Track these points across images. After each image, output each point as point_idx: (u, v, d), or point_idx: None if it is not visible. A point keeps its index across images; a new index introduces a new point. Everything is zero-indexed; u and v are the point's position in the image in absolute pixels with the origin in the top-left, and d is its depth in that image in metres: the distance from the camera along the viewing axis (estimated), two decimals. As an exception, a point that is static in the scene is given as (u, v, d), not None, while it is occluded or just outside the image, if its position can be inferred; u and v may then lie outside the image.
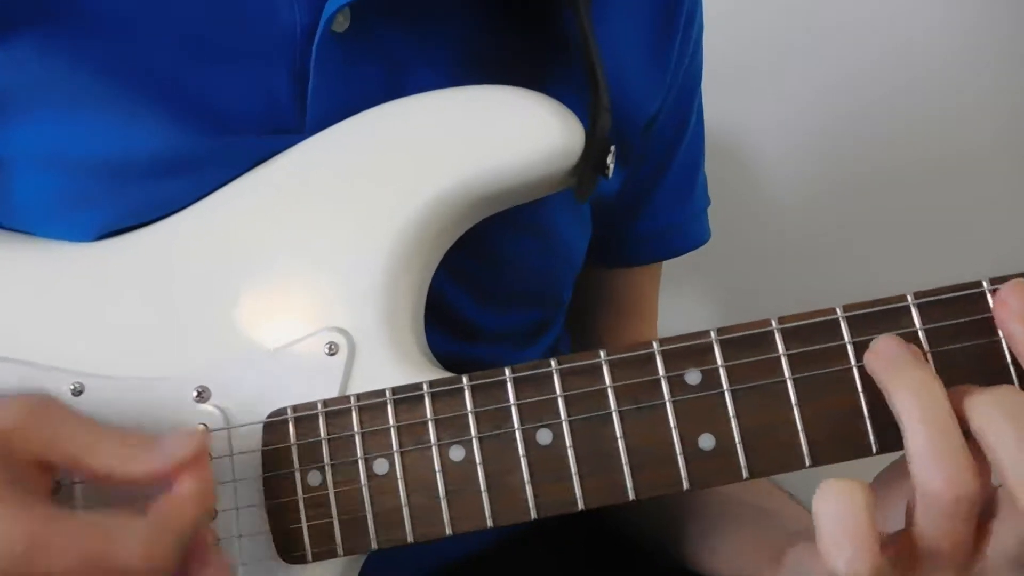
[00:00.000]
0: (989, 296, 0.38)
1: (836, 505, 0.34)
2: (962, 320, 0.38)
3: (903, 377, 0.36)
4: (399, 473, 0.42)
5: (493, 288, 0.54)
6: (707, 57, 0.64)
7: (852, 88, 1.05)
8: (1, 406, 0.37)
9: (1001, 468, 0.34)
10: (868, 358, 0.38)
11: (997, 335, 0.38)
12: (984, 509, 0.36)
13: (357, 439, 0.43)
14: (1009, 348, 0.37)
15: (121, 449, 0.37)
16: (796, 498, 0.54)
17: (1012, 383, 0.38)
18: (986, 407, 0.35)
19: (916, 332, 0.39)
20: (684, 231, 0.66)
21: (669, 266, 0.69)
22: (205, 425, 0.44)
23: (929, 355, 0.39)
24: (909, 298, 0.39)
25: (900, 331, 0.39)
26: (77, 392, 0.45)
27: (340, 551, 0.42)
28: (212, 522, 0.43)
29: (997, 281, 0.38)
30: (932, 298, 0.39)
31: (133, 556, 0.34)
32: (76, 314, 0.46)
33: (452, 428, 0.42)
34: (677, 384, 0.40)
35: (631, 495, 0.40)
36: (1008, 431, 0.34)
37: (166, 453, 0.37)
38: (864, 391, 0.39)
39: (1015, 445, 0.33)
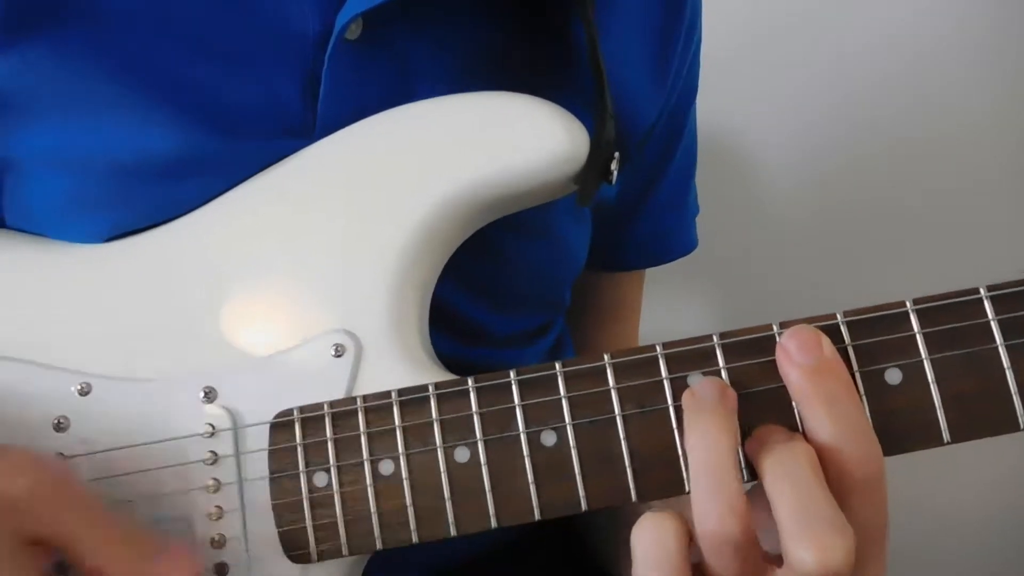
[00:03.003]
0: (987, 303, 0.40)
1: (651, 535, 0.37)
2: (959, 325, 0.40)
3: (698, 422, 0.39)
4: (404, 474, 0.44)
5: (499, 291, 0.56)
6: (705, 59, 0.66)
7: (852, 91, 1.07)
8: (15, 469, 0.38)
9: (779, 523, 0.37)
10: (684, 395, 0.41)
11: (995, 341, 0.40)
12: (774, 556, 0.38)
13: (363, 440, 0.44)
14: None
15: (118, 551, 0.39)
16: None
17: (1008, 383, 0.40)
18: (771, 469, 0.38)
19: (915, 336, 0.40)
20: (675, 238, 0.69)
21: (670, 270, 0.71)
22: (212, 425, 0.45)
23: (927, 360, 0.40)
24: (908, 304, 0.41)
25: (899, 336, 0.40)
26: (84, 392, 0.46)
27: (345, 551, 0.44)
28: (220, 520, 0.45)
29: (994, 288, 0.40)
30: (930, 304, 0.41)
31: None
32: (84, 315, 0.48)
33: (457, 430, 0.44)
34: (680, 387, 0.42)
35: (634, 497, 0.42)
36: (786, 491, 0.37)
37: (158, 571, 0.39)
38: (864, 395, 0.40)
39: (791, 504, 0.36)
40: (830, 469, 0.38)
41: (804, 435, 0.40)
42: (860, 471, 0.38)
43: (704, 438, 0.38)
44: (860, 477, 0.38)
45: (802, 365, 0.39)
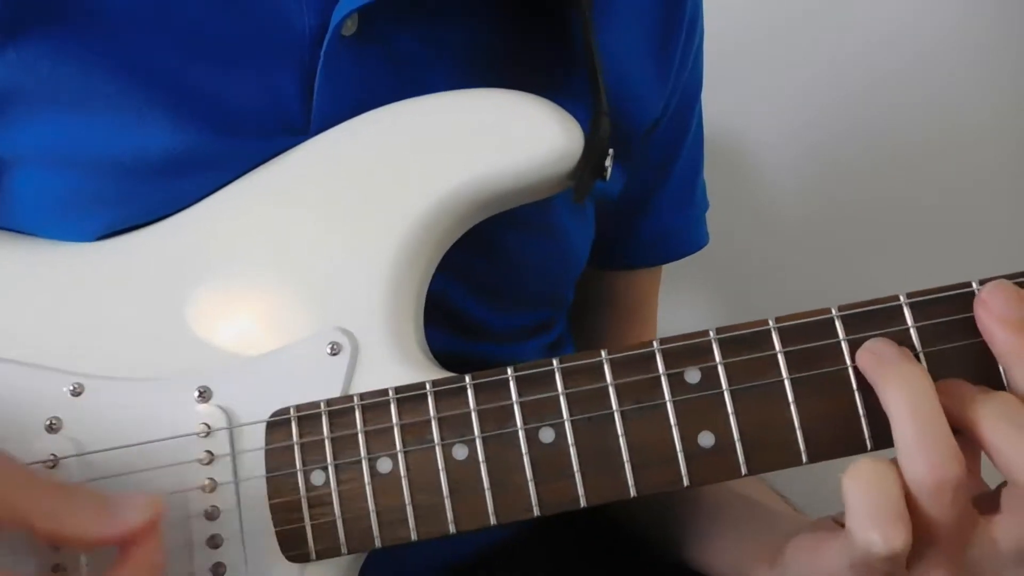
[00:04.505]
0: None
1: (871, 482, 0.38)
2: (953, 318, 0.42)
3: (892, 372, 0.40)
4: (402, 472, 0.45)
5: (499, 287, 0.58)
6: (708, 59, 0.68)
7: (854, 90, 1.10)
8: None
9: (1013, 474, 0.38)
10: (860, 355, 0.42)
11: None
12: (984, 504, 0.40)
13: (360, 438, 0.46)
14: (990, 347, 0.41)
15: (75, 517, 0.40)
16: (786, 498, 0.58)
17: (1001, 381, 0.42)
18: (993, 419, 0.39)
19: (908, 330, 0.43)
20: (684, 235, 0.71)
21: (670, 267, 0.73)
22: (207, 425, 0.47)
23: (921, 354, 0.42)
24: (902, 298, 0.43)
25: (893, 330, 0.43)
26: (76, 393, 0.48)
27: (344, 550, 0.46)
28: (217, 520, 0.46)
29: (986, 282, 0.42)
30: (924, 298, 0.43)
31: None
32: (76, 314, 0.49)
33: (455, 427, 0.45)
34: (677, 383, 0.44)
35: (632, 492, 0.44)
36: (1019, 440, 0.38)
37: (119, 520, 0.40)
38: (859, 389, 0.43)
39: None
40: None
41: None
42: None
43: (905, 385, 0.39)
44: None
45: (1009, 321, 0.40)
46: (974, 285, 0.42)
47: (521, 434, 0.45)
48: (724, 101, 0.92)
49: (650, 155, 0.65)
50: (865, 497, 0.38)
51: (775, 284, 1.11)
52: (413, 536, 0.45)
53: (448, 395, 0.46)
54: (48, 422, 0.48)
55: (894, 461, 0.39)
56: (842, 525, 0.41)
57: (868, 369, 0.42)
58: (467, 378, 0.46)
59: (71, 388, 0.48)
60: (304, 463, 0.46)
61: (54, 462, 0.47)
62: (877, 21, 1.09)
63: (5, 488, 0.39)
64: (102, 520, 0.39)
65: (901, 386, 0.40)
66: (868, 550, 0.38)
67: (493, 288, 0.58)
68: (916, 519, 0.39)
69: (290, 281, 0.49)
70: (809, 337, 0.43)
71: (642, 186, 0.66)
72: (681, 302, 1.10)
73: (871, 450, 0.43)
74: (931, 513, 0.39)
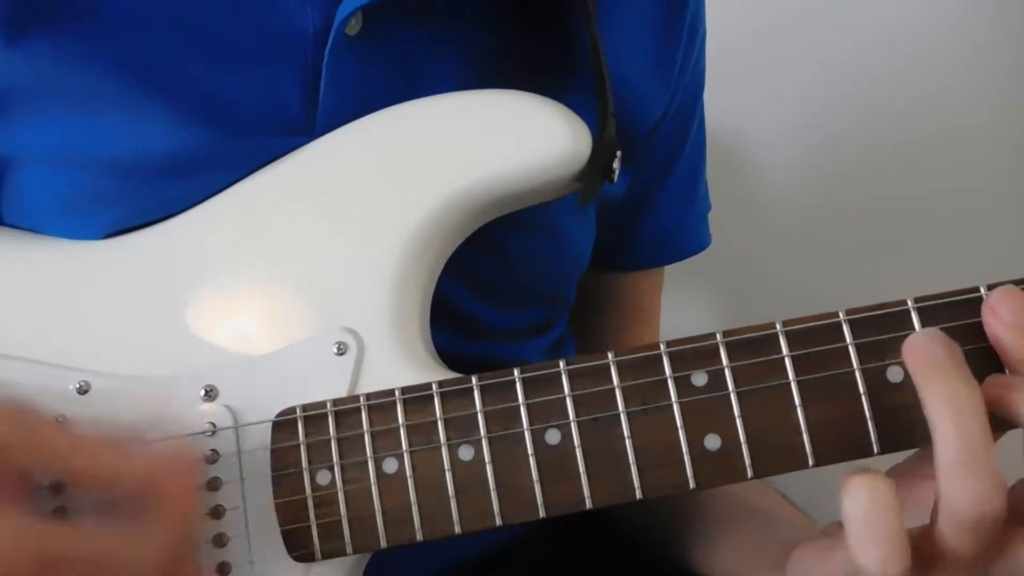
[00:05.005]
0: (987, 301, 0.43)
1: (866, 503, 0.37)
2: (960, 323, 0.43)
3: (942, 387, 0.39)
4: (408, 472, 0.45)
5: (501, 287, 0.58)
6: (708, 59, 0.69)
7: (854, 90, 1.10)
8: None
9: None
10: (908, 352, 0.41)
11: (994, 337, 0.42)
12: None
13: (366, 438, 0.46)
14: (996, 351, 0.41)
15: (103, 448, 0.40)
16: (789, 499, 0.59)
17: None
18: None
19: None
20: (686, 236, 0.71)
21: (672, 268, 0.74)
22: (213, 424, 0.47)
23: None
24: (909, 302, 0.43)
25: (901, 334, 0.43)
26: (83, 390, 0.48)
27: (349, 549, 0.46)
28: (222, 519, 0.46)
29: (994, 287, 0.43)
30: (932, 303, 0.43)
31: (137, 561, 0.38)
32: (82, 312, 0.50)
33: (461, 428, 0.46)
34: (684, 385, 0.44)
35: (638, 494, 0.44)
36: None
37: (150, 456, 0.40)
38: (866, 393, 0.43)
39: None
40: None
41: None
42: None
43: (955, 406, 0.37)
44: None
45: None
46: (982, 290, 0.43)
47: (527, 435, 0.45)
48: (724, 101, 0.92)
49: (652, 156, 0.65)
50: (862, 518, 0.38)
51: (776, 284, 1.12)
52: (418, 536, 0.45)
53: (454, 396, 0.46)
54: (54, 419, 0.48)
55: (893, 473, 0.39)
56: None
57: (916, 373, 0.40)
58: (474, 379, 0.46)
59: (77, 386, 0.48)
60: (310, 462, 0.46)
61: (59, 460, 0.47)
62: (877, 21, 1.09)
63: (28, 435, 0.38)
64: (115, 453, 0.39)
65: (950, 408, 0.38)
66: (865, 572, 0.38)
67: (495, 288, 0.58)
68: (943, 544, 0.38)
69: (296, 280, 0.49)
70: (816, 341, 0.44)
71: (644, 187, 0.66)
72: (683, 303, 1.10)
73: (878, 454, 0.43)
74: (965, 540, 0.38)
